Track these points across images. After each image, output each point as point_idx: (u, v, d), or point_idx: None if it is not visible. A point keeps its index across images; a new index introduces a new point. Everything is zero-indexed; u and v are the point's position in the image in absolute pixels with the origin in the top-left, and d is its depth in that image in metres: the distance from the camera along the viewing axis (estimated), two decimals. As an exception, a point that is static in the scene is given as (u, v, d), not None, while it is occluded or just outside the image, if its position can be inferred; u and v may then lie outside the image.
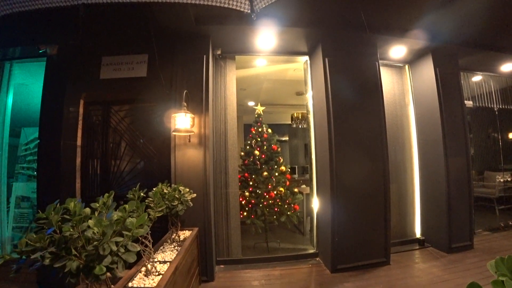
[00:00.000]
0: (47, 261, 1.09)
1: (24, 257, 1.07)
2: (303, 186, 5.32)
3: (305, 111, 3.97)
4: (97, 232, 1.18)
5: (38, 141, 3.25)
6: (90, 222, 1.20)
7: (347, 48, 3.42)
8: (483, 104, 4.46)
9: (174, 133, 2.98)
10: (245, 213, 3.89)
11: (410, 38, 3.45)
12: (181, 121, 2.87)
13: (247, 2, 2.05)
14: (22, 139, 4.05)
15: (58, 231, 1.15)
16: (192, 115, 3.00)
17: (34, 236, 1.09)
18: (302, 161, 8.04)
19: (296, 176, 7.03)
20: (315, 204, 3.65)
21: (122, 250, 1.27)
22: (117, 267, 1.24)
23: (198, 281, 2.87)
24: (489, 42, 3.74)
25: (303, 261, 3.51)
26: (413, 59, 4.04)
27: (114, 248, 1.22)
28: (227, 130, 3.65)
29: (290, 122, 6.76)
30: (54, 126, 3.25)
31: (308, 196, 4.10)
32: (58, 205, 1.20)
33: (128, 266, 2.08)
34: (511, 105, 4.71)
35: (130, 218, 1.39)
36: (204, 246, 3.00)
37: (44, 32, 3.37)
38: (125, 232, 1.32)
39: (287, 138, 8.68)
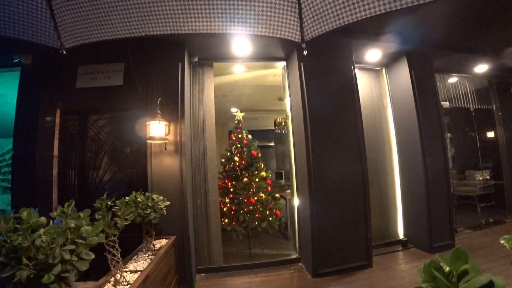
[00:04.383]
0: None
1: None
2: (288, 191, 5.30)
3: (285, 116, 3.99)
4: (45, 240, 1.16)
5: (13, 152, 3.20)
6: (42, 231, 1.19)
7: (323, 53, 3.46)
8: (460, 105, 4.55)
9: (149, 141, 2.96)
10: (226, 220, 3.85)
11: (384, 42, 3.52)
12: (156, 129, 2.85)
13: (297, 33, 2.23)
14: (-2, 150, 3.98)
15: (9, 241, 1.12)
16: (167, 123, 2.99)
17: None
18: (288, 167, 8.04)
19: (283, 181, 7.00)
20: (296, 208, 3.65)
21: (75, 258, 1.25)
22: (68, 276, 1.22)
23: (175, 290, 2.82)
24: (462, 44, 3.83)
25: (285, 266, 3.48)
26: (389, 63, 4.11)
27: (67, 256, 1.20)
28: (205, 137, 3.64)
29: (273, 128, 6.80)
30: (29, 136, 3.19)
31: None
32: (12, 215, 1.19)
33: (96, 277, 2.05)
34: (485, 105, 4.82)
35: (85, 226, 1.37)
36: (182, 255, 2.96)
37: (18, 41, 3.34)
38: (78, 240, 1.31)
39: (273, 144, 8.69)
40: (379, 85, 4.27)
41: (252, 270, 3.40)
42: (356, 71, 3.67)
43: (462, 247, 0.71)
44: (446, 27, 3.36)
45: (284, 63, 3.86)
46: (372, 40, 3.52)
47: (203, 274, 3.34)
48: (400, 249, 3.79)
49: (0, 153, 3.97)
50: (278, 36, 2.33)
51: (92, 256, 1.33)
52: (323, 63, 3.45)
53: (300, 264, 3.52)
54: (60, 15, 2.07)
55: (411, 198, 3.85)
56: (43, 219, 1.28)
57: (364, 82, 4.13)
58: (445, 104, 4.30)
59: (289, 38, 2.35)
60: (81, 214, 1.41)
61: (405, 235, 3.97)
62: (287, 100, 3.82)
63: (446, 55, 3.98)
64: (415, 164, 3.73)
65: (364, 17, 2.12)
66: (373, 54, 3.81)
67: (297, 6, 2.14)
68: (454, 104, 4.52)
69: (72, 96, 3.38)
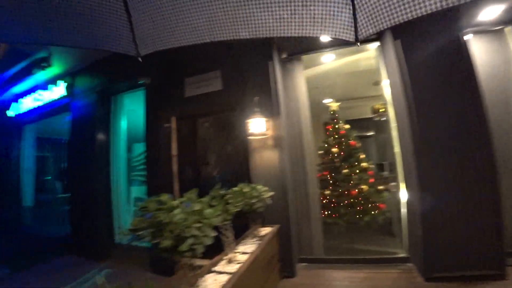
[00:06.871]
0: (148, 238, 1.42)
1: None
2: (393, 183, 4.86)
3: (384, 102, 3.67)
4: (181, 218, 1.45)
5: (145, 154, 4.03)
6: (177, 211, 1.49)
7: (422, 22, 2.97)
8: None
9: (249, 137, 3.21)
10: (327, 212, 3.80)
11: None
12: (255, 126, 3.09)
13: (352, 33, 2.23)
14: (133, 153, 5.09)
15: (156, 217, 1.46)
16: (265, 119, 3.18)
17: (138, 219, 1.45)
18: (391, 157, 7.31)
19: (386, 172, 6.40)
20: (404, 202, 3.32)
21: (201, 234, 1.50)
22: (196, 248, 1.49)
23: (279, 276, 2.98)
24: None
25: (391, 265, 3.19)
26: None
27: (196, 232, 1.48)
28: (301, 130, 3.69)
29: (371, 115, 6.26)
30: (155, 140, 3.97)
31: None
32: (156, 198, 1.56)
33: (212, 255, 2.39)
34: None
35: (207, 209, 1.63)
36: (285, 243, 3.10)
37: (141, 67, 4.14)
38: (204, 220, 1.57)
39: (372, 133, 8.01)
40: (504, 49, 3.38)
41: (354, 265, 3.27)
42: (470, 36, 3.06)
43: None
44: None
45: (377, 43, 3.52)
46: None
47: (304, 264, 3.41)
48: (552, 259, 2.96)
49: (136, 155, 5.07)
50: (335, 37, 2.19)
51: (214, 233, 1.58)
52: (424, 35, 2.97)
53: (409, 264, 3.17)
54: (138, 28, 2.40)
55: None
56: (175, 202, 1.61)
57: (481, 49, 3.36)
58: None
59: (345, 38, 2.17)
60: (203, 200, 1.69)
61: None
62: (384, 83, 3.50)
63: None
64: None
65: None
66: (489, 11, 3.04)
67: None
68: None
69: (183, 104, 3.97)
